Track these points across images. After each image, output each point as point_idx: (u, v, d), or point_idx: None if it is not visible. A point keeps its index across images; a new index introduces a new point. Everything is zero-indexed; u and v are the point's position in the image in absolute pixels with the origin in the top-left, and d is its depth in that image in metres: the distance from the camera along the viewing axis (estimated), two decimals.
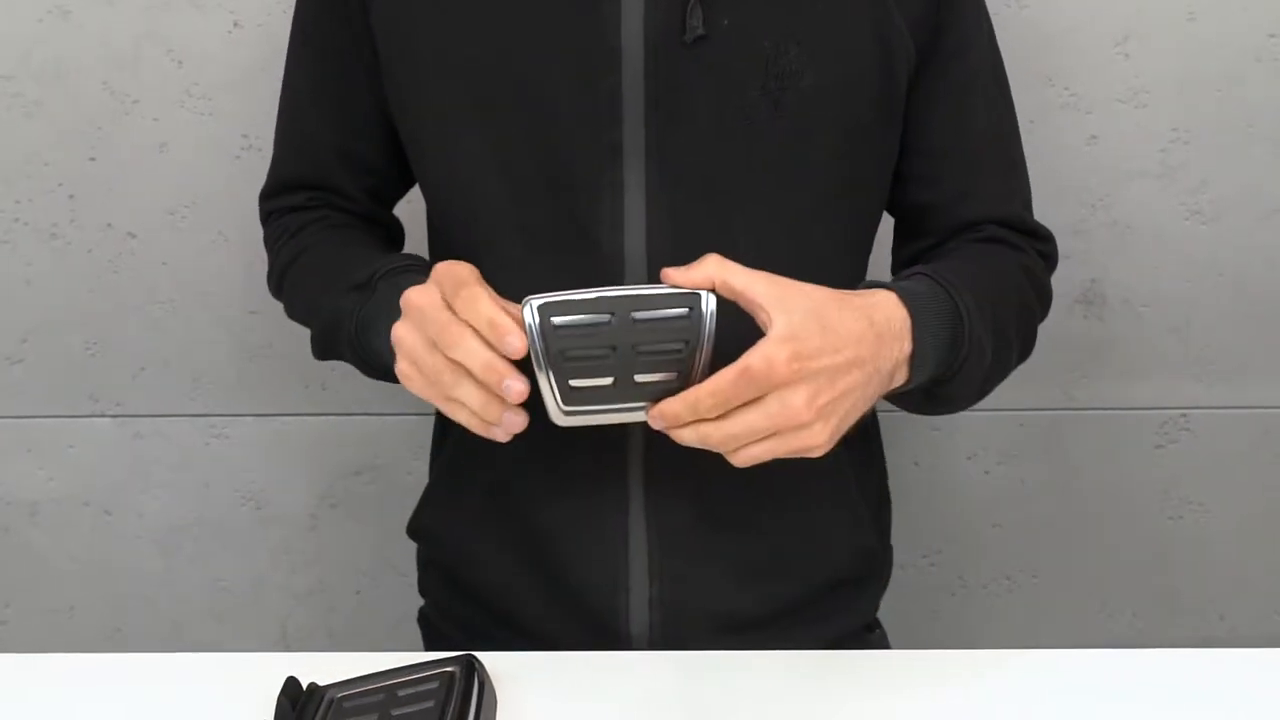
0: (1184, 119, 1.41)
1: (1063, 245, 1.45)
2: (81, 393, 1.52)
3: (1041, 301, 1.08)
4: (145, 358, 1.51)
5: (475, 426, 0.85)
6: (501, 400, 0.82)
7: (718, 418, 0.81)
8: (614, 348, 0.81)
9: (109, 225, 1.45)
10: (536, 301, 0.81)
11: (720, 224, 0.96)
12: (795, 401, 0.80)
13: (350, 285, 0.98)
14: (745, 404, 0.81)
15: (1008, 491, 1.56)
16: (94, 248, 1.46)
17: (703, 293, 0.82)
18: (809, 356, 0.81)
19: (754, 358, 0.80)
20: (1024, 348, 1.04)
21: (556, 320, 0.81)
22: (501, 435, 0.85)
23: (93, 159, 1.43)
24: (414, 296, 0.86)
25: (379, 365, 0.95)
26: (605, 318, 0.81)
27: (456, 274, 0.85)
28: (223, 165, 1.42)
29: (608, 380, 0.82)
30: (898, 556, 1.59)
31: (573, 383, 0.82)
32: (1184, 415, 1.52)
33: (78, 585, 1.59)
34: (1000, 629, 1.61)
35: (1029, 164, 1.41)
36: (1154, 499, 1.56)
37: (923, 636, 1.61)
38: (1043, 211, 1.44)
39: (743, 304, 0.83)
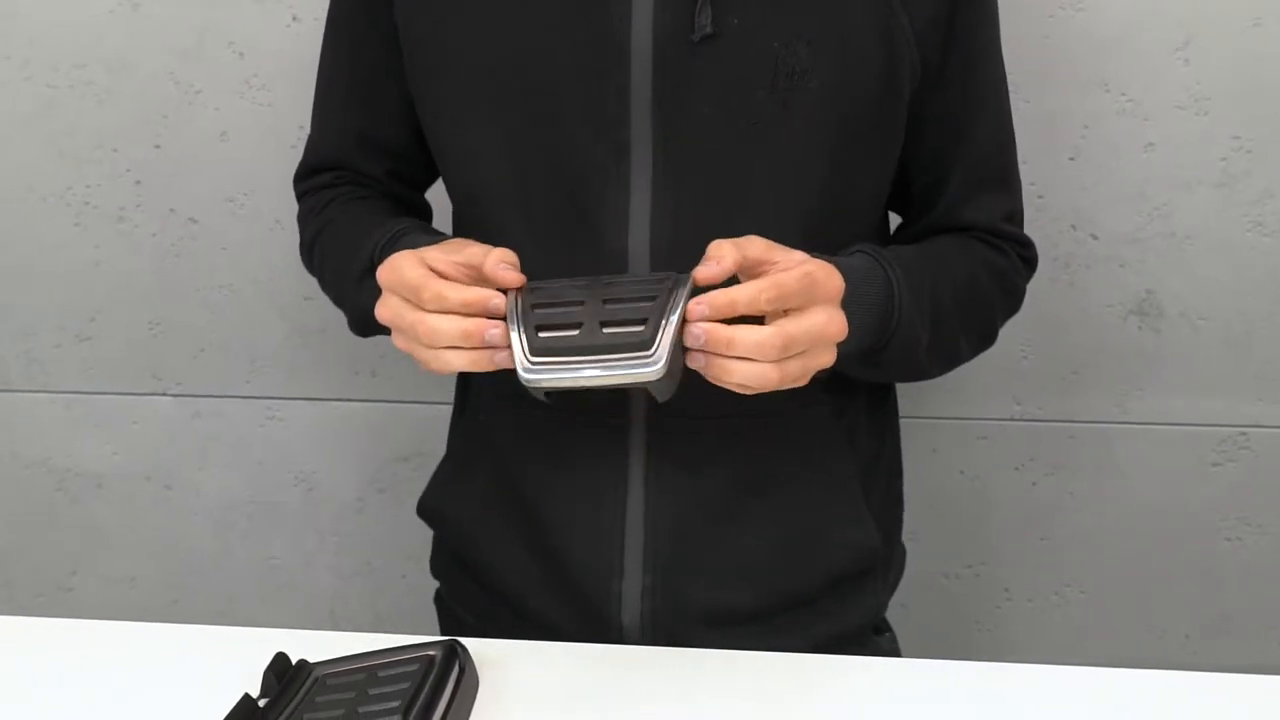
0: (1246, 127, 1.37)
1: (1118, 254, 1.43)
2: (145, 371, 1.57)
3: (1007, 295, 1.09)
4: (205, 339, 1.56)
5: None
6: (492, 350, 0.86)
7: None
8: (582, 303, 0.85)
9: (171, 211, 1.51)
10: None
11: (724, 221, 0.96)
12: (835, 314, 0.87)
13: (361, 272, 1.01)
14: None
15: (1056, 504, 1.53)
16: (158, 232, 1.51)
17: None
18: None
19: (810, 266, 0.86)
20: (978, 330, 1.07)
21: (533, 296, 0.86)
22: None
23: (158, 146, 1.48)
24: (379, 313, 0.92)
25: None
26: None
27: (406, 281, 0.89)
28: (280, 154, 1.46)
29: (575, 331, 0.84)
30: (942, 566, 1.58)
31: (541, 334, 0.85)
32: (1243, 434, 1.47)
33: (139, 557, 1.65)
34: (1046, 644, 1.58)
35: (1084, 170, 1.41)
36: (1210, 519, 1.51)
37: (967, 648, 1.59)
38: (1098, 219, 1.43)
39: (757, 268, 0.87)
